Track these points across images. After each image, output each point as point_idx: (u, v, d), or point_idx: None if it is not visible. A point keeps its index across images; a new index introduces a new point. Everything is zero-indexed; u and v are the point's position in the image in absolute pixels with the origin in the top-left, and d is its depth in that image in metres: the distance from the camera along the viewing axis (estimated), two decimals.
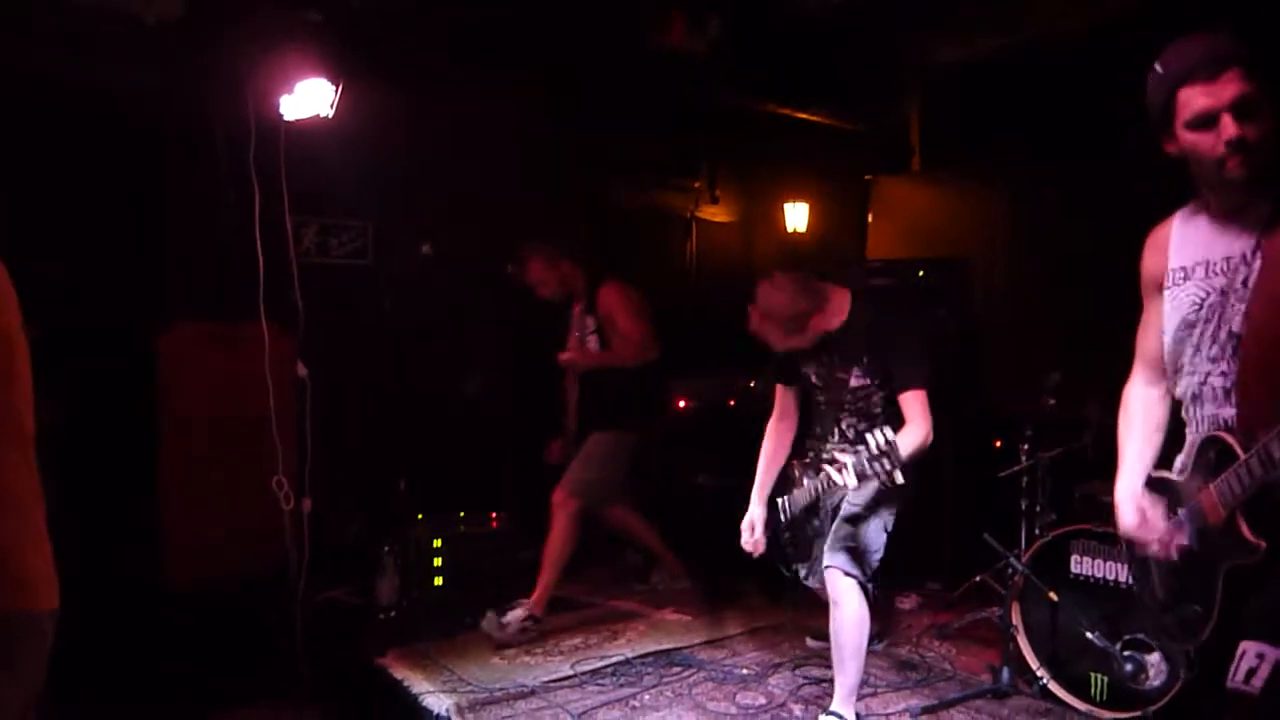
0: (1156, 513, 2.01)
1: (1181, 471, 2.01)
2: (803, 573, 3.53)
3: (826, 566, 3.17)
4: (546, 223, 5.50)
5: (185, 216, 4.53)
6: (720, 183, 6.61)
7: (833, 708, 3.17)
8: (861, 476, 2.79)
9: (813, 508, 3.40)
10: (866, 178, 6.75)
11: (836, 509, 3.29)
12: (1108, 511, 3.53)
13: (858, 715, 3.21)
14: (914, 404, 3.09)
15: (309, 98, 3.96)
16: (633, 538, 5.00)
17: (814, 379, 3.38)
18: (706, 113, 6.12)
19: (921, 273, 5.09)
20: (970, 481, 4.83)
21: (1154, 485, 2.09)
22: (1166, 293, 2.03)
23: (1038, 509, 4.09)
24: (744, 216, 6.87)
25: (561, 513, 4.35)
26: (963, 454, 4.91)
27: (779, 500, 3.49)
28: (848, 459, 2.82)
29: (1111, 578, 3.38)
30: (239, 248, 4.01)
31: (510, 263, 4.63)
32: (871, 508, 3.22)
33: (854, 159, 6.77)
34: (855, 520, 3.20)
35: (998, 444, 4.72)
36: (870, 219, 6.69)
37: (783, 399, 3.52)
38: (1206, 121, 1.82)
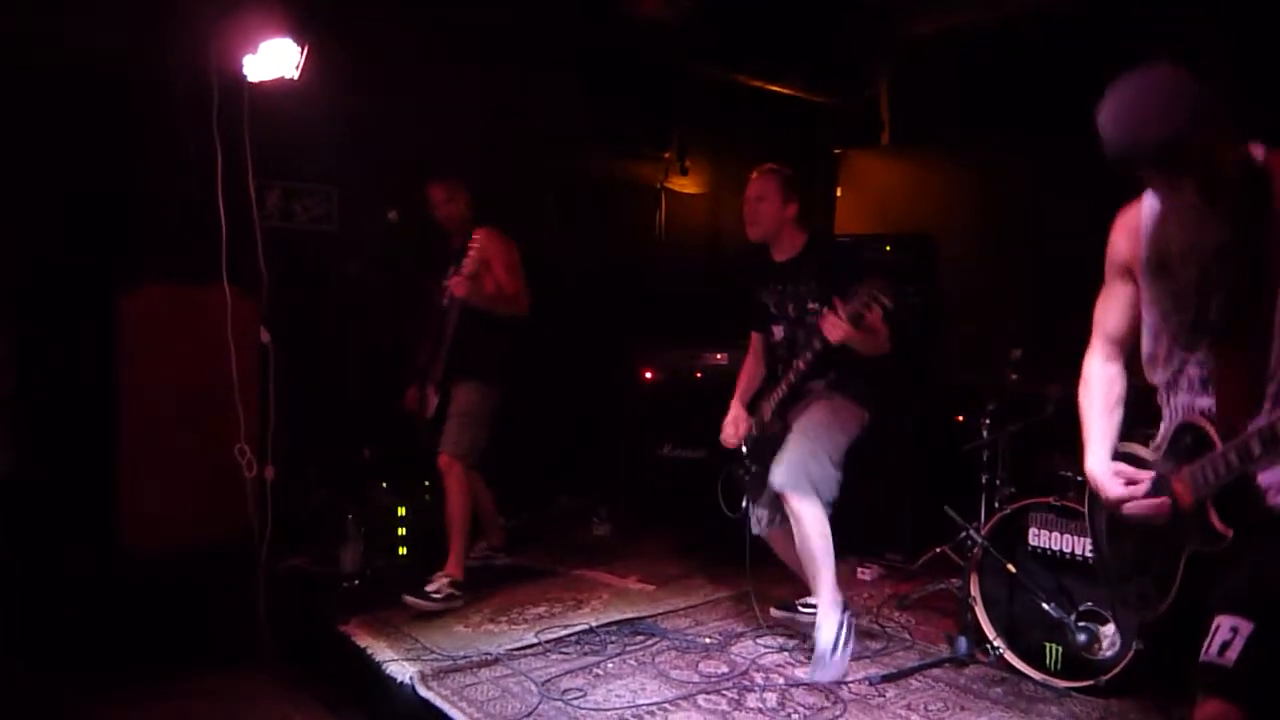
0: (1138, 475, 2.03)
1: (1155, 450, 2.03)
2: (754, 518, 3.80)
3: (778, 492, 3.46)
4: (515, 190, 5.46)
5: (147, 178, 4.44)
6: (690, 154, 6.59)
7: (824, 610, 3.49)
8: (856, 321, 3.21)
9: (772, 440, 3.64)
10: (835, 151, 6.77)
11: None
12: (1066, 485, 3.63)
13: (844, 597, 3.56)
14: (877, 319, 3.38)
15: (274, 59, 3.89)
16: (474, 496, 4.76)
17: (772, 309, 3.72)
18: (677, 83, 6.09)
19: (888, 248, 5.11)
20: (932, 455, 4.89)
21: (1121, 459, 2.12)
22: (1143, 282, 2.02)
23: (998, 483, 4.15)
24: (713, 188, 6.86)
25: (450, 476, 4.34)
26: (926, 428, 4.97)
27: (742, 445, 3.84)
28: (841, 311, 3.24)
29: (1068, 550, 3.44)
30: (201, 210, 3.94)
31: (393, 210, 4.51)
32: (819, 436, 3.52)
33: (823, 132, 6.77)
34: (803, 445, 3.49)
35: (960, 419, 4.78)
36: (839, 193, 6.71)
37: (755, 343, 3.97)
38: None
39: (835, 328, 3.26)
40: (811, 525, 3.47)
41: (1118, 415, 2.19)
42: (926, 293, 5.04)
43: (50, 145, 4.18)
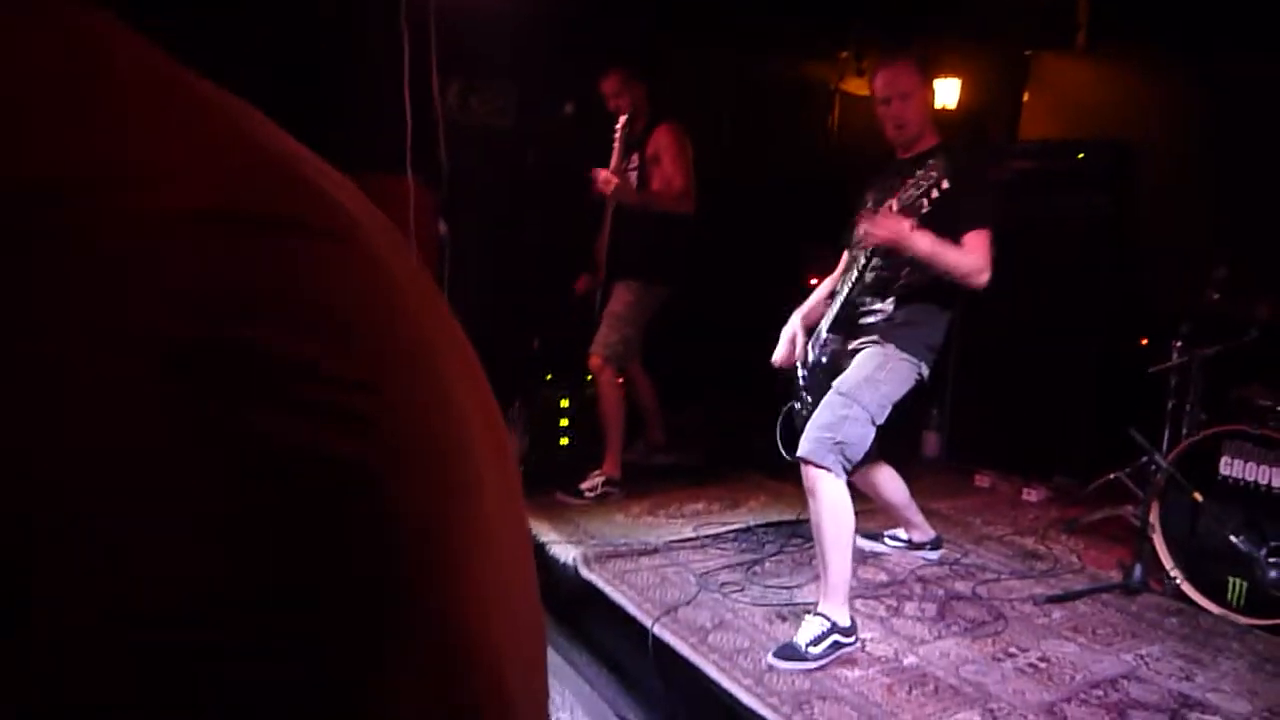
0: None
1: None
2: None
3: (799, 455, 2.98)
4: (691, 90, 5.38)
5: (334, 66, 4.58)
6: (867, 54, 6.31)
7: (819, 609, 2.95)
8: (910, 208, 2.78)
9: (830, 371, 3.21)
10: (1026, 53, 6.36)
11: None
12: (1265, 415, 3.40)
13: (852, 619, 2.96)
14: (977, 240, 2.95)
15: None
16: (635, 393, 4.83)
17: (870, 204, 3.19)
18: None
19: (1081, 155, 4.81)
20: (1111, 377, 4.66)
21: None
22: None
23: (1187, 408, 3.92)
24: None
25: (601, 378, 4.39)
26: (1106, 347, 4.73)
27: (808, 345, 3.36)
28: (894, 201, 2.85)
29: (1264, 482, 3.23)
30: (386, 101, 4.04)
31: (569, 104, 4.47)
32: (860, 395, 2.99)
33: (1012, 32, 6.36)
34: (837, 408, 2.99)
35: (1144, 341, 4.52)
36: (1026, 97, 6.33)
37: (841, 265, 3.43)
38: None
39: (877, 225, 2.82)
40: (826, 506, 2.93)
41: None
42: (1118, 204, 4.73)
43: (238, 40, 4.35)
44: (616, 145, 4.34)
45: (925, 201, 2.79)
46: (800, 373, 3.35)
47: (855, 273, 3.13)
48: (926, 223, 2.87)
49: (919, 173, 2.79)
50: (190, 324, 0.27)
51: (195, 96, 0.33)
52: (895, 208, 2.85)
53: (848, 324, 3.21)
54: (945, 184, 2.74)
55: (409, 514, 0.29)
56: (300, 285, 0.30)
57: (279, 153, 0.34)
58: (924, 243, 2.85)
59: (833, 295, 3.30)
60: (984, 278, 2.95)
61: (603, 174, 4.24)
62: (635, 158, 4.44)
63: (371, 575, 0.28)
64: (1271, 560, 3.15)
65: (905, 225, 2.83)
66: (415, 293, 0.34)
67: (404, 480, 0.29)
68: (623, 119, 4.31)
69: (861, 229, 2.94)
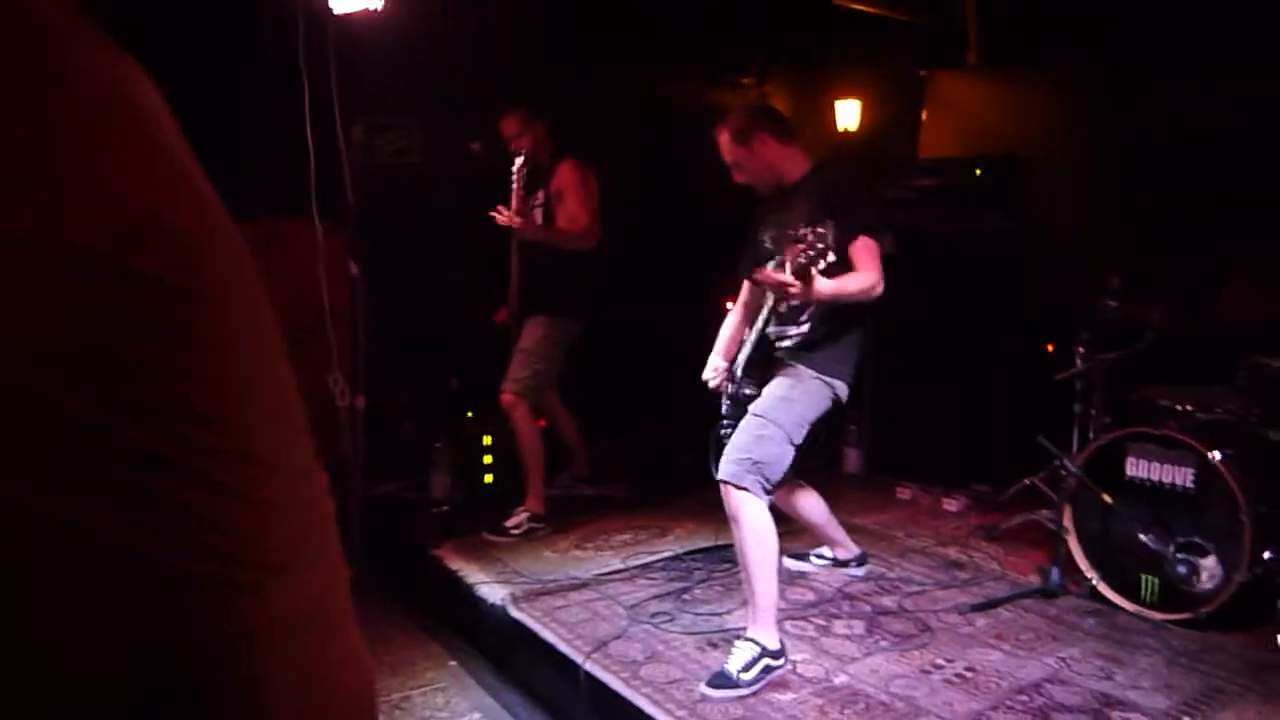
0: None
1: None
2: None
3: (719, 479, 3.02)
4: (597, 119, 5.41)
5: (234, 113, 4.50)
6: (771, 80, 6.44)
7: (748, 633, 2.97)
8: (801, 275, 2.78)
9: (750, 399, 3.23)
10: (921, 73, 6.55)
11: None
12: (1165, 415, 3.53)
13: (781, 642, 3.00)
14: (864, 252, 3.03)
15: None
16: (556, 426, 4.83)
17: (768, 243, 3.29)
18: (758, 5, 5.93)
19: (979, 171, 4.96)
20: (1020, 384, 4.79)
21: None
22: None
23: (1092, 413, 4.05)
24: (794, 115, 6.68)
25: (515, 414, 4.36)
26: (1013, 356, 4.87)
27: (730, 370, 3.41)
28: (786, 263, 2.86)
29: (1168, 481, 3.35)
30: (288, 144, 3.98)
31: (476, 141, 4.45)
32: (775, 414, 3.07)
33: (908, 53, 6.55)
34: (754, 429, 3.05)
35: (1050, 348, 4.67)
36: (924, 116, 6.51)
37: (747, 293, 3.56)
38: None
39: (780, 287, 2.84)
40: (749, 530, 2.95)
41: None
42: (1016, 217, 4.88)
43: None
44: (515, 187, 4.32)
45: (814, 271, 2.80)
46: (724, 403, 3.39)
47: (767, 311, 3.20)
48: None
49: (809, 239, 2.78)
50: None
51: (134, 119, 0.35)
52: (788, 271, 2.83)
53: (765, 353, 3.28)
54: (830, 256, 2.80)
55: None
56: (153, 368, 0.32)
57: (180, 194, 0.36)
58: (825, 288, 2.88)
59: (750, 327, 3.36)
60: (880, 289, 3.03)
61: (504, 214, 4.21)
62: (541, 195, 4.44)
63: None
64: (1179, 556, 3.26)
65: (802, 290, 2.84)
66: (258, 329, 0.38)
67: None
68: (519, 161, 4.31)
69: (771, 292, 2.99)
